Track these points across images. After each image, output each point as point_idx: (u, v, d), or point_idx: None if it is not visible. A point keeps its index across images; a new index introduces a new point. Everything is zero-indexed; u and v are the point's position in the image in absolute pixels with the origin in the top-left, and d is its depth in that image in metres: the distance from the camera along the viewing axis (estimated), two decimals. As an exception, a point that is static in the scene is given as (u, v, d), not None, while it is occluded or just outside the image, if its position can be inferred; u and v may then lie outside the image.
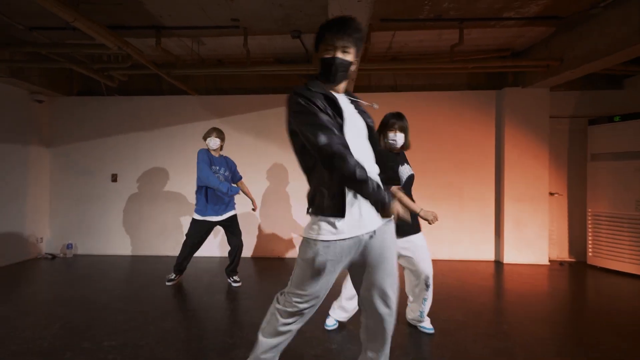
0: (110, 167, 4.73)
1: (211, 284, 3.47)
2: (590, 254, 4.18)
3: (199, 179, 3.25)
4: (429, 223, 2.16)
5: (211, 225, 3.35)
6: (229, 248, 3.44)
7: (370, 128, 1.51)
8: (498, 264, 4.33)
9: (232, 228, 3.41)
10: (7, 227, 4.14)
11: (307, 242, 1.40)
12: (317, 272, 1.37)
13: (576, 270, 4.07)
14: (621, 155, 3.89)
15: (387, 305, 1.45)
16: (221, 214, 3.33)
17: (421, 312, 2.36)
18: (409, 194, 2.34)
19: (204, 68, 4.17)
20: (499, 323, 2.58)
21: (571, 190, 4.48)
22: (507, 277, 3.78)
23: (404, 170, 2.30)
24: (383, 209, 1.31)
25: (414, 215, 2.21)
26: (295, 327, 1.48)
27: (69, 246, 4.61)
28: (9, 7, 3.19)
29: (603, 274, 3.89)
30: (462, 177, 4.48)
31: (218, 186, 3.18)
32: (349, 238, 1.35)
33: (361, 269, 1.45)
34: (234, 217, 3.43)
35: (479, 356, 2.08)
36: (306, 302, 1.42)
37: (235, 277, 3.45)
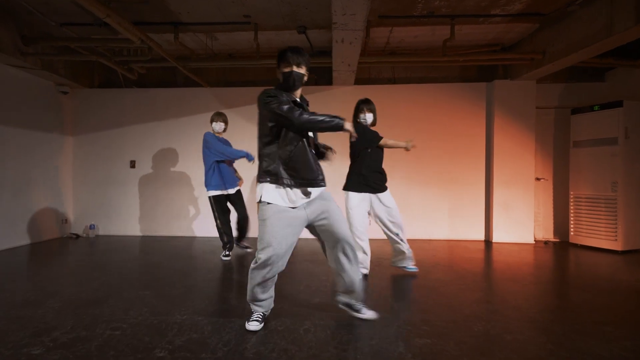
0: (128, 154, 5.11)
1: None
2: (572, 233, 4.53)
3: (216, 155, 3.61)
4: (407, 149, 3.01)
5: (228, 198, 3.74)
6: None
7: None
8: (487, 243, 4.68)
9: (240, 201, 3.80)
10: (35, 209, 4.52)
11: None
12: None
13: (559, 248, 4.43)
14: (599, 141, 4.24)
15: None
16: (234, 187, 3.73)
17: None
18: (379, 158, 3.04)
19: (216, 61, 4.53)
20: (482, 282, 2.94)
21: (556, 175, 4.83)
22: (495, 253, 4.13)
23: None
24: (342, 129, 1.85)
25: (383, 175, 3.00)
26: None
27: (92, 227, 5.00)
28: (47, 6, 3.56)
29: (582, 251, 4.24)
30: (455, 164, 4.83)
31: (240, 154, 3.62)
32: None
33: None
34: (239, 191, 3.82)
35: (459, 305, 2.43)
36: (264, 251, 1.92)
37: (245, 244, 3.93)
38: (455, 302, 2.45)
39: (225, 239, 3.74)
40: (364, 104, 3.01)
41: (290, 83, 1.95)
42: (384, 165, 3.05)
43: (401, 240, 3.05)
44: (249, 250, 3.97)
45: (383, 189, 2.97)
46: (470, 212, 4.83)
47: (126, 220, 5.10)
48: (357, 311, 2.11)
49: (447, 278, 3.03)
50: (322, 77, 5.08)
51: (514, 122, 4.66)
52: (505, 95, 4.66)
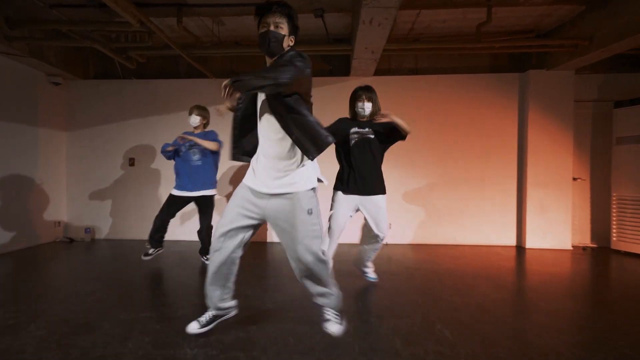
0: (127, 151, 4.69)
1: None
2: (614, 238, 4.13)
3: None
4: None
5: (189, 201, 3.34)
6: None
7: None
8: (520, 249, 4.29)
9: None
10: (25, 211, 4.11)
11: None
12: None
13: (600, 255, 4.03)
14: (649, 137, 3.83)
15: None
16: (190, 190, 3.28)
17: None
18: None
19: (222, 49, 4.11)
20: (529, 300, 2.54)
21: (595, 175, 4.43)
22: (533, 260, 3.74)
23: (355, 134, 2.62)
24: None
25: (379, 179, 2.61)
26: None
27: (87, 230, 4.59)
28: (32, -19, 3.14)
29: (628, 258, 3.85)
30: (484, 162, 4.43)
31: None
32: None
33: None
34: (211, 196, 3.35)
35: (521, 329, 2.04)
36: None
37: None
38: (519, 329, 2.05)
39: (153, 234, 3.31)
40: (363, 91, 2.60)
41: (264, 44, 1.62)
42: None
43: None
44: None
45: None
46: (501, 215, 4.42)
47: (124, 223, 4.69)
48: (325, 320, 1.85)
49: (494, 295, 2.63)
50: (337, 67, 4.66)
51: (550, 117, 4.25)
52: (541, 86, 4.24)
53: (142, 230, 4.67)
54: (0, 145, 3.80)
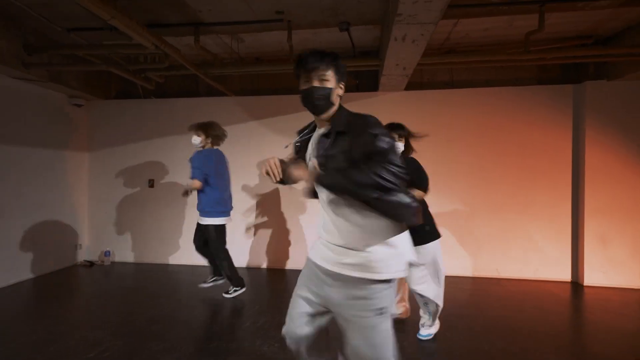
0: (147, 171, 4.58)
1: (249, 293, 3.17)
2: (695, 278, 3.50)
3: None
4: None
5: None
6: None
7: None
8: (576, 285, 3.74)
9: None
10: (47, 233, 4.06)
11: None
12: None
13: (677, 297, 3.42)
14: None
15: None
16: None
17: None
18: None
19: (241, 67, 3.89)
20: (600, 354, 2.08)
21: (667, 201, 3.79)
22: (589, 302, 3.21)
23: None
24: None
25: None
26: None
27: (107, 254, 4.51)
28: (48, 8, 3.04)
29: None
30: (532, 185, 3.91)
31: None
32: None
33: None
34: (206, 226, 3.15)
35: None
36: None
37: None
38: None
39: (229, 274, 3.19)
40: (393, 129, 2.33)
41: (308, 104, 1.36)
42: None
43: None
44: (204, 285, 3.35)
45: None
46: (553, 247, 3.88)
47: (143, 246, 4.56)
48: None
49: (554, 354, 2.18)
50: (364, 82, 4.31)
51: (613, 133, 3.68)
52: (601, 99, 3.69)
53: (161, 254, 4.53)
54: (23, 167, 3.76)
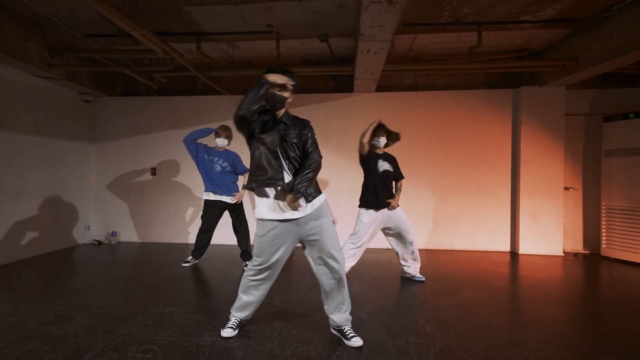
0: (149, 161, 5.14)
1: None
2: (604, 245, 4.35)
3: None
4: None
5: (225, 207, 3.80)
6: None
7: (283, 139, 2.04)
8: (514, 254, 4.54)
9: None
10: (58, 216, 4.58)
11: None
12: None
13: (590, 261, 4.25)
14: (635, 150, 4.05)
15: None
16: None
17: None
18: (387, 186, 3.22)
19: (236, 70, 4.51)
20: (516, 301, 2.83)
21: (586, 185, 4.65)
22: (524, 266, 3.99)
23: (381, 166, 3.20)
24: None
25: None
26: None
27: (113, 234, 5.05)
28: (72, 17, 3.60)
29: (616, 265, 4.06)
30: (480, 172, 4.70)
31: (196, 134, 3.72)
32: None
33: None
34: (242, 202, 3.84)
35: (497, 329, 2.33)
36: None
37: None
38: (492, 325, 2.35)
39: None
40: (381, 128, 3.21)
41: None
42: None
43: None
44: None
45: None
46: (496, 223, 4.69)
47: (146, 227, 5.13)
48: (347, 338, 2.07)
49: (479, 297, 2.93)
50: (342, 84, 5.01)
51: (542, 130, 4.50)
52: (533, 102, 4.51)
53: (162, 234, 5.11)
54: (37, 158, 4.28)
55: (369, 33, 2.85)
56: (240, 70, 4.53)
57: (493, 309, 2.66)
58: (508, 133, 4.68)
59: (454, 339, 2.14)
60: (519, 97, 4.58)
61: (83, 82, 4.56)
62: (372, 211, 3.11)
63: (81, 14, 3.53)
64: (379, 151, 3.25)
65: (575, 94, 4.60)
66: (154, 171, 5.14)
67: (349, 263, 3.12)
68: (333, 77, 5.00)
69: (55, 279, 3.32)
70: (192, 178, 5.10)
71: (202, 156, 3.74)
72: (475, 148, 4.71)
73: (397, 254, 3.35)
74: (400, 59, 4.70)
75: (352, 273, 3.38)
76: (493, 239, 4.70)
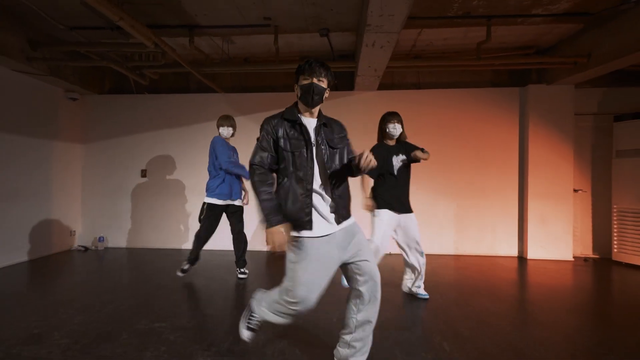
0: (139, 162, 4.88)
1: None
2: (615, 249, 4.19)
3: (223, 166, 3.28)
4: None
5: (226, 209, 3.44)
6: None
7: (334, 149, 1.72)
8: (521, 259, 4.35)
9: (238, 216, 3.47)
10: (41, 220, 4.30)
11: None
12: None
13: (601, 266, 4.08)
14: (648, 151, 3.90)
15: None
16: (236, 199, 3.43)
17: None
18: (405, 182, 2.82)
19: (231, 66, 4.29)
20: (531, 310, 2.63)
21: (595, 187, 4.49)
22: (534, 272, 3.81)
23: (396, 161, 2.78)
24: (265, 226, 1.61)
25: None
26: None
27: (101, 239, 4.77)
28: (55, 8, 3.34)
29: (629, 270, 3.90)
30: (485, 174, 4.52)
31: (246, 174, 3.28)
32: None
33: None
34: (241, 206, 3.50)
35: (518, 343, 2.13)
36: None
37: (242, 269, 3.48)
38: (514, 343, 2.15)
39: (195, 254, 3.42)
40: (392, 115, 2.81)
41: (308, 97, 1.65)
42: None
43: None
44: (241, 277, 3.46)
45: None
46: (503, 226, 4.50)
47: (136, 232, 4.86)
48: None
49: (493, 307, 2.72)
50: (342, 82, 4.81)
51: (551, 130, 4.34)
52: (541, 100, 4.34)
53: (153, 239, 4.84)
54: (19, 158, 4.00)
55: (377, 23, 2.65)
56: (236, 66, 4.30)
57: (511, 320, 2.46)
58: (515, 133, 4.51)
59: (471, 352, 1.92)
60: (527, 96, 4.41)
61: (68, 78, 4.30)
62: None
63: (64, 3, 3.28)
64: (391, 142, 2.83)
65: (584, 93, 4.45)
66: (144, 173, 4.87)
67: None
68: (332, 75, 4.78)
69: (33, 291, 3.05)
70: (184, 180, 4.85)
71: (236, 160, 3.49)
72: (481, 148, 4.53)
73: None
74: (403, 56, 4.51)
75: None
76: (500, 244, 4.51)
